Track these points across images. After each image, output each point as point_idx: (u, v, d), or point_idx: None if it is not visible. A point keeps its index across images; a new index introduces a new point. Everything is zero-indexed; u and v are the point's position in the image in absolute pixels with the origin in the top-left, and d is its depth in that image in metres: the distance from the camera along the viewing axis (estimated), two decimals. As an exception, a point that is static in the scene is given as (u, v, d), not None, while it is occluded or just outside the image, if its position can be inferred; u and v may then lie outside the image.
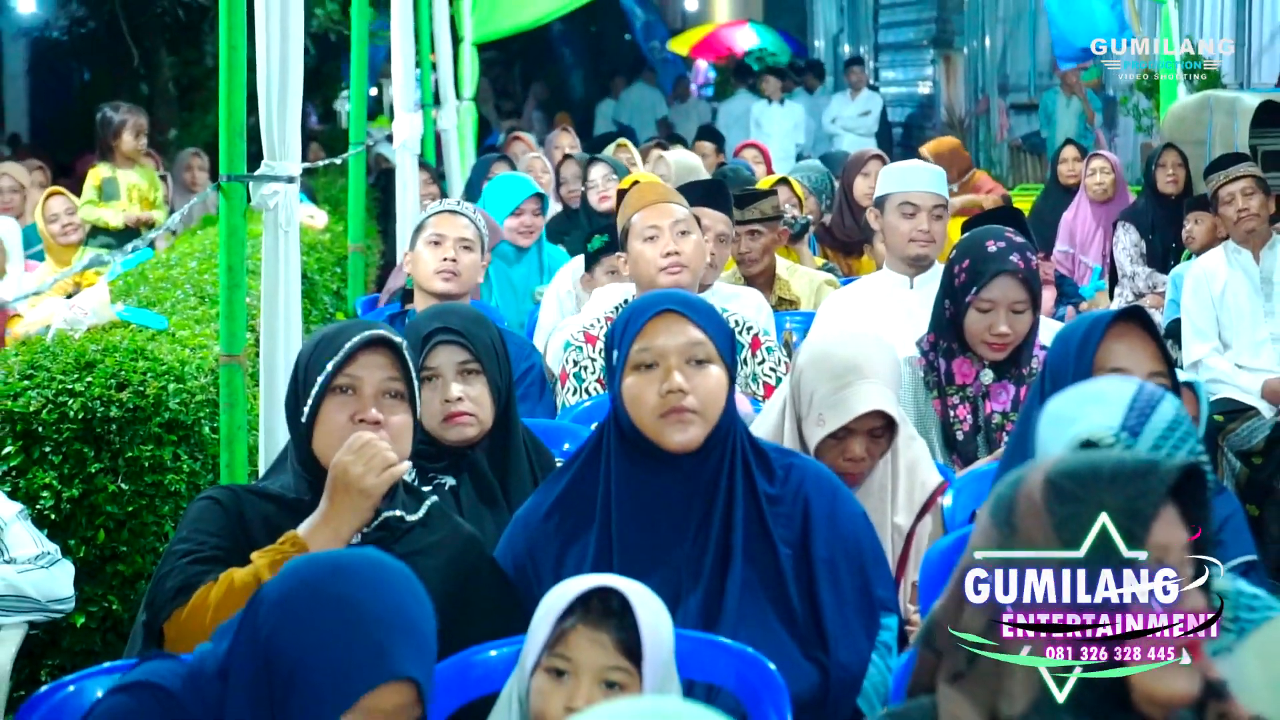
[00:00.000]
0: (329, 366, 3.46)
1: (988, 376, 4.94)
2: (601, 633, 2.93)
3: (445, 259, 5.72)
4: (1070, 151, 11.90)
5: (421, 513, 3.54)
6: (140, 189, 9.80)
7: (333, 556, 2.74)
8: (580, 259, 7.04)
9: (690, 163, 9.38)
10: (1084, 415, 3.04)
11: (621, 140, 12.13)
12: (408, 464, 3.45)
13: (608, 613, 2.93)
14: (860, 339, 4.31)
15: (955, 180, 11.23)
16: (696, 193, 6.11)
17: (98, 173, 9.78)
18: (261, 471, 4.86)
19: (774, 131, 18.81)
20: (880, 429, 4.14)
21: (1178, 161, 10.16)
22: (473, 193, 8.91)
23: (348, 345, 3.47)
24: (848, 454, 4.11)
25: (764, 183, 8.22)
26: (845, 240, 9.05)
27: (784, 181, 8.53)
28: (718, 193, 6.49)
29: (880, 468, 4.21)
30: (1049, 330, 4.71)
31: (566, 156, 10.49)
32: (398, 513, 3.49)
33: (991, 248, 4.98)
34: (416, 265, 5.79)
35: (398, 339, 3.52)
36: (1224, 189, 7.60)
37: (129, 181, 9.78)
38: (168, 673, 2.73)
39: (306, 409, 3.48)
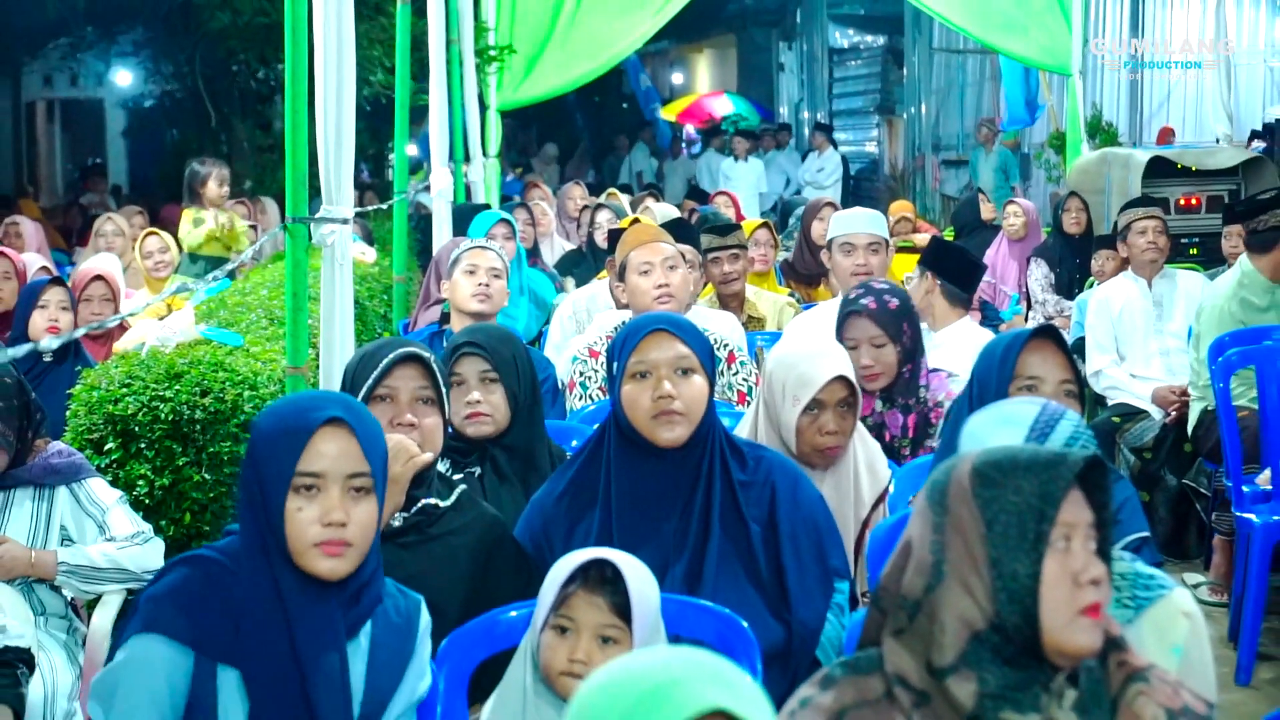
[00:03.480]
0: (370, 379, 3.48)
1: (879, 406, 4.91)
2: (598, 597, 2.94)
3: (480, 284, 5.81)
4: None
5: (452, 499, 3.55)
6: (231, 221, 9.90)
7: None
8: (583, 290, 7.08)
9: (670, 211, 9.51)
10: (995, 436, 3.03)
11: (612, 190, 12.24)
12: (430, 455, 3.48)
13: (603, 580, 2.95)
14: (813, 338, 4.34)
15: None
16: (670, 230, 6.17)
17: (190, 214, 9.86)
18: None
19: (740, 182, 18.86)
20: (846, 401, 4.14)
21: (1080, 207, 10.21)
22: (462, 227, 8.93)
23: (385, 361, 3.50)
24: (824, 428, 4.11)
25: (746, 225, 8.26)
26: (805, 273, 9.10)
27: (765, 225, 8.59)
28: (686, 228, 6.60)
29: (846, 462, 4.21)
30: (975, 345, 4.69)
31: (586, 207, 10.60)
32: (433, 500, 3.51)
33: (853, 294, 4.98)
34: (454, 291, 5.85)
35: (427, 354, 3.55)
36: (1137, 223, 7.60)
37: (218, 222, 9.84)
38: (209, 548, 2.87)
39: None
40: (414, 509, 3.48)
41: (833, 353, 4.21)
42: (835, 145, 21.06)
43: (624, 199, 11.77)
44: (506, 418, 4.12)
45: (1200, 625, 2.92)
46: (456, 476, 3.79)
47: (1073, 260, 9.98)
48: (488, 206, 10.07)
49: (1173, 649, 2.84)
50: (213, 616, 2.74)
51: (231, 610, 2.75)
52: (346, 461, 2.76)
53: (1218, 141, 11.89)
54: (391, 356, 3.51)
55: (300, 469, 2.73)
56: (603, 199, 11.25)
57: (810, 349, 4.24)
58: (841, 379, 4.14)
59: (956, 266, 6.03)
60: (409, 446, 3.41)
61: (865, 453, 4.25)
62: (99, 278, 6.98)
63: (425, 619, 2.98)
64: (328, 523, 2.74)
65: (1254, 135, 14.61)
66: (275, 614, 2.75)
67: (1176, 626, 2.85)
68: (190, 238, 9.55)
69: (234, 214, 10.02)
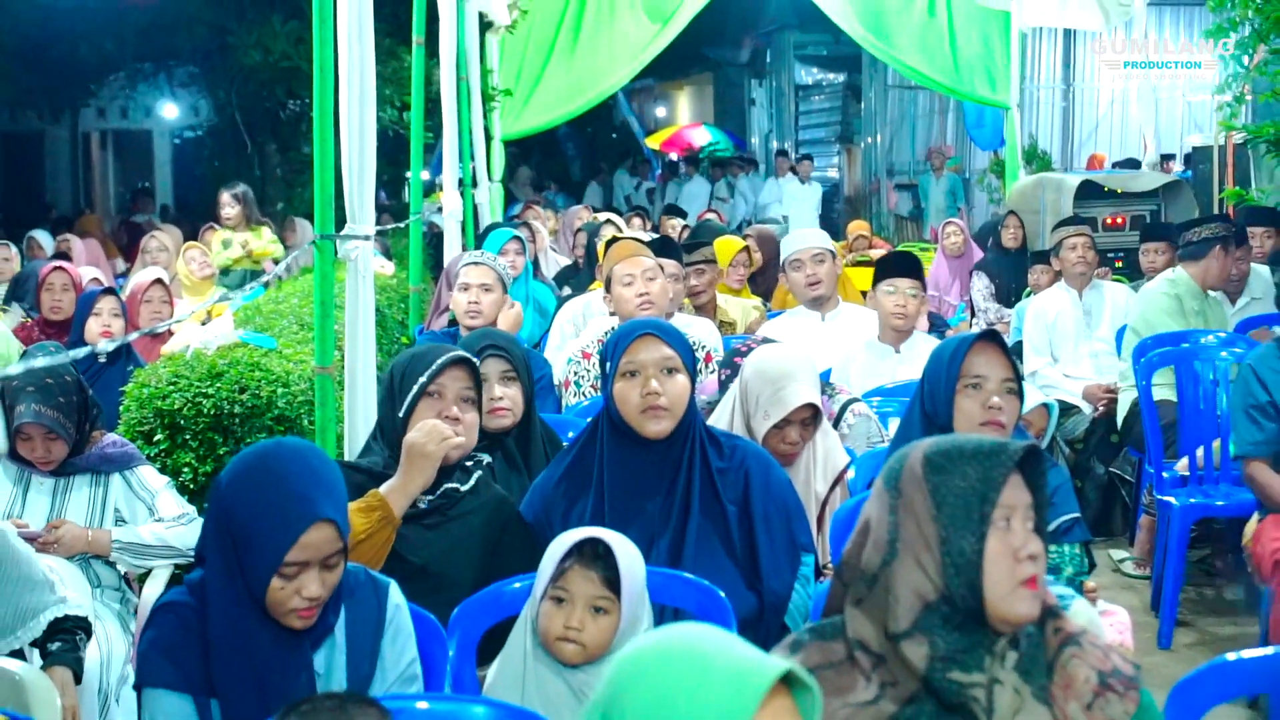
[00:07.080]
0: (423, 377, 3.51)
1: None
2: (591, 571, 2.95)
3: (470, 302, 5.81)
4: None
5: (470, 484, 3.57)
6: (246, 242, 10.02)
7: (262, 444, 2.84)
8: (580, 299, 7.07)
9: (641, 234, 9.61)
10: None
11: (609, 217, 12.28)
12: (462, 439, 3.51)
13: (595, 556, 2.96)
14: (788, 353, 4.28)
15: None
16: (654, 247, 6.18)
17: (218, 235, 10.03)
18: (347, 454, 4.89)
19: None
20: (809, 418, 4.13)
21: (1017, 224, 10.29)
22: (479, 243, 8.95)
23: (439, 362, 3.52)
24: (786, 439, 4.09)
25: (730, 245, 8.26)
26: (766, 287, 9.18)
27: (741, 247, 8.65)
28: (669, 246, 6.61)
29: (806, 453, 4.20)
30: (926, 349, 4.67)
31: (579, 230, 10.63)
32: (454, 485, 3.53)
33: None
34: (454, 305, 5.86)
35: (474, 359, 3.59)
36: (1068, 239, 7.67)
37: (242, 245, 10.01)
38: (181, 591, 2.82)
39: (404, 408, 3.53)
40: (438, 492, 3.50)
41: (804, 376, 4.13)
42: (795, 171, 21.19)
43: (617, 220, 11.80)
44: (521, 411, 4.15)
45: (1095, 629, 2.93)
46: (468, 464, 3.79)
47: (1009, 272, 10.02)
48: (513, 225, 10.08)
49: None
50: (192, 658, 2.71)
51: (204, 648, 2.72)
52: (327, 547, 2.70)
53: (1139, 165, 11.93)
54: (444, 359, 3.55)
55: (288, 560, 2.67)
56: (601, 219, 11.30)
57: (784, 367, 4.13)
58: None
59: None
60: (443, 429, 3.45)
61: (824, 443, 4.24)
62: (158, 281, 7.12)
63: (394, 598, 2.93)
64: (308, 597, 2.70)
65: (1165, 158, 14.67)
66: (244, 653, 2.71)
67: None
68: (219, 258, 9.68)
69: (258, 232, 10.08)
